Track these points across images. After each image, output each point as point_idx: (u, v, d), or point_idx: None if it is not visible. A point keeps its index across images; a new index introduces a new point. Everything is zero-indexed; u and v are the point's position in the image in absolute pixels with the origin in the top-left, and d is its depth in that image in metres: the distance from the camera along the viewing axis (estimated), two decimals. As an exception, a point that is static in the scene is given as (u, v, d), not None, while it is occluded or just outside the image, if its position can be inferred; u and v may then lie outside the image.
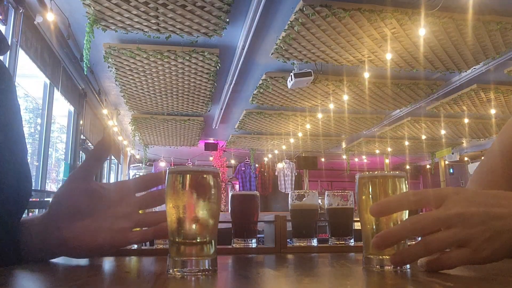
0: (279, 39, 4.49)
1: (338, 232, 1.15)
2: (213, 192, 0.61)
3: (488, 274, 0.56)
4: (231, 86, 6.04)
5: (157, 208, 0.95)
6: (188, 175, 0.61)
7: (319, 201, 1.26)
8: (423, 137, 9.40)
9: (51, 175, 7.30)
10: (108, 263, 0.77)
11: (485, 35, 4.43)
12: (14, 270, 0.63)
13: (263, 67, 5.61)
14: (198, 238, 0.60)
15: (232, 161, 12.08)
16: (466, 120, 7.98)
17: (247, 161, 12.14)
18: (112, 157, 9.83)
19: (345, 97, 6.37)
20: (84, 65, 4.53)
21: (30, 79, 5.37)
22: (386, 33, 4.33)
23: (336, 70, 5.62)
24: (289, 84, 5.43)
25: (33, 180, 0.87)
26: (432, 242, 0.56)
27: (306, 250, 1.10)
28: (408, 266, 0.61)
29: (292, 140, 9.44)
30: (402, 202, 0.62)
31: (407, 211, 0.65)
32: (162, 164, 11.94)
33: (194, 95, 6.37)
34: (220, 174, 0.65)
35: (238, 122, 8.12)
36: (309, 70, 5.27)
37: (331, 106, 6.78)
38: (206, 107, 6.95)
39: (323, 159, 12.29)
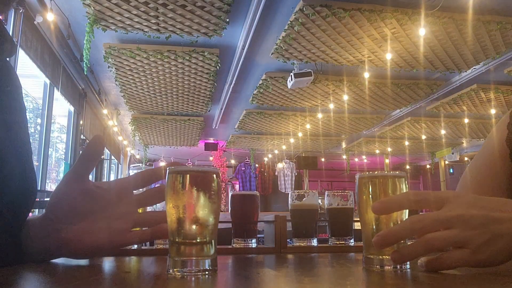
0: (279, 39, 4.49)
1: (338, 232, 1.15)
2: (213, 192, 0.61)
3: (488, 274, 0.56)
4: (231, 86, 6.04)
5: (159, 206, 0.94)
6: (188, 175, 0.61)
7: (319, 201, 1.26)
8: (423, 137, 9.40)
9: (51, 175, 7.30)
10: (108, 263, 0.77)
11: (485, 35, 4.43)
12: (14, 270, 0.63)
13: (263, 67, 5.61)
14: (198, 238, 0.60)
15: (232, 161, 12.08)
16: (466, 120, 7.98)
17: (247, 161, 12.14)
18: (112, 157, 9.83)
19: (345, 97, 6.37)
20: (84, 65, 4.53)
21: (30, 79, 5.37)
22: (386, 33, 4.33)
23: (336, 70, 5.62)
24: (289, 84, 5.43)
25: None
26: (432, 241, 0.56)
27: (306, 250, 1.10)
28: (408, 266, 0.61)
29: (292, 140, 9.44)
30: (403, 201, 0.63)
31: (407, 212, 0.65)
32: (162, 164, 11.92)
33: (194, 95, 6.37)
34: (220, 174, 0.65)
35: (238, 122, 8.12)
36: (309, 70, 5.26)
37: (331, 106, 6.78)
38: (206, 107, 6.95)
39: (323, 159, 12.29)
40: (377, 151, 11.44)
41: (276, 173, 12.52)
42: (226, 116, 7.86)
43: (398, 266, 0.62)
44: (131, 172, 12.08)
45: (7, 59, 0.78)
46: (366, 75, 5.52)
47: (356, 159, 12.46)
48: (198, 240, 0.60)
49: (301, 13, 3.92)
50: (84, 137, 6.78)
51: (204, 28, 4.22)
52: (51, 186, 7.03)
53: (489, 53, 4.86)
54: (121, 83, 5.86)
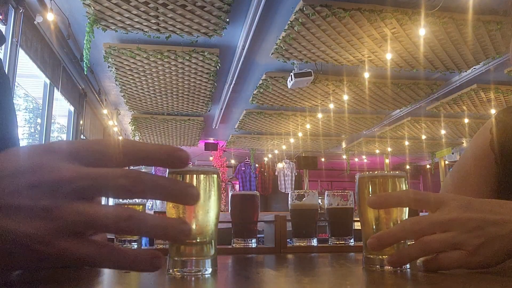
0: (279, 39, 4.49)
1: (338, 232, 1.15)
2: (213, 192, 0.61)
3: (488, 274, 0.56)
4: (231, 86, 6.04)
5: (158, 204, 0.91)
6: (188, 175, 0.61)
7: (319, 201, 1.26)
8: (423, 137, 9.40)
9: (51, 175, 7.29)
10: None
11: (485, 35, 4.42)
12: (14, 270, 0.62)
13: (263, 67, 5.60)
14: (198, 238, 0.60)
15: (232, 161, 12.07)
16: (466, 120, 7.98)
17: (247, 161, 12.13)
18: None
19: (345, 97, 6.36)
20: (84, 65, 4.53)
21: (30, 79, 5.37)
22: (386, 33, 4.33)
23: (336, 70, 5.62)
24: (289, 84, 5.43)
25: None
26: (429, 243, 0.57)
27: (306, 250, 1.10)
28: (408, 266, 0.61)
29: (292, 140, 9.44)
30: (400, 198, 0.63)
31: (407, 213, 0.65)
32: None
33: (194, 95, 6.37)
34: (220, 174, 0.65)
35: (238, 122, 8.12)
36: (309, 70, 5.26)
37: (331, 106, 6.78)
38: (206, 107, 6.95)
39: (323, 159, 12.28)
40: (377, 151, 11.43)
41: (276, 173, 12.51)
42: (226, 116, 7.85)
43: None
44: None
45: None
46: (366, 75, 5.52)
47: (356, 159, 12.46)
48: (198, 240, 0.60)
49: (301, 13, 3.92)
50: (84, 137, 6.78)
51: (204, 28, 4.22)
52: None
53: (489, 53, 4.86)
54: (121, 83, 5.86)
